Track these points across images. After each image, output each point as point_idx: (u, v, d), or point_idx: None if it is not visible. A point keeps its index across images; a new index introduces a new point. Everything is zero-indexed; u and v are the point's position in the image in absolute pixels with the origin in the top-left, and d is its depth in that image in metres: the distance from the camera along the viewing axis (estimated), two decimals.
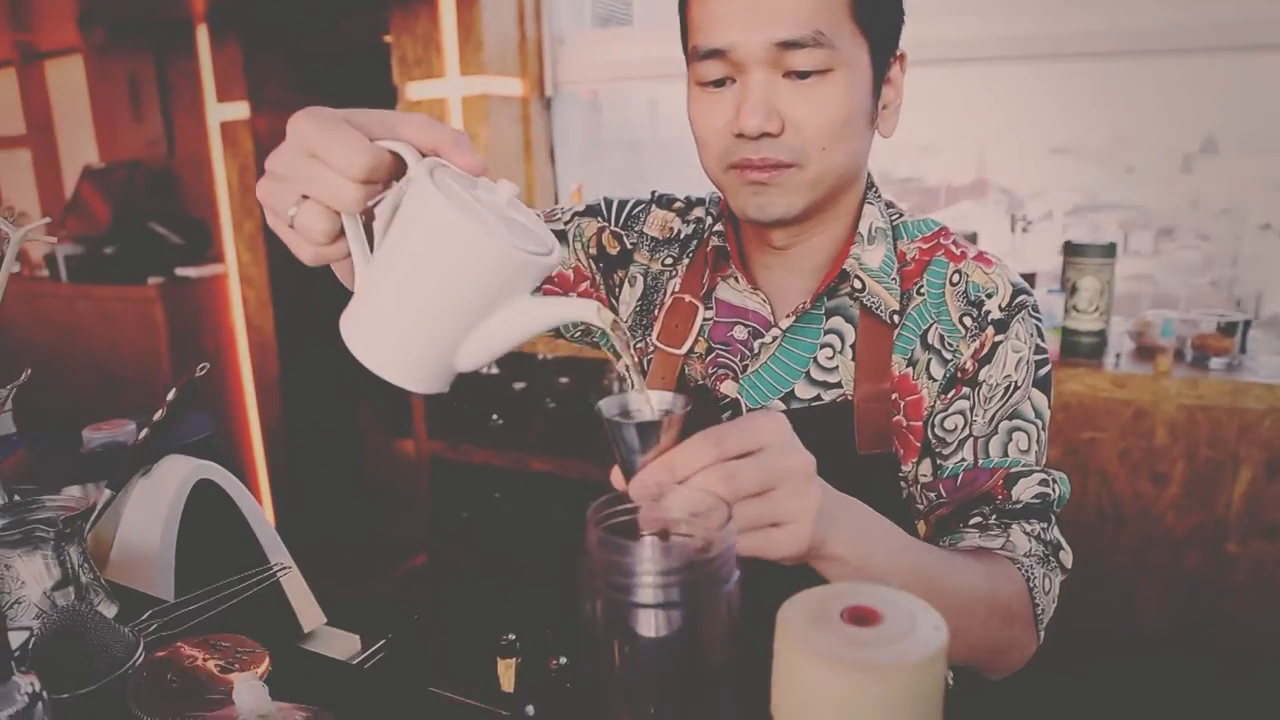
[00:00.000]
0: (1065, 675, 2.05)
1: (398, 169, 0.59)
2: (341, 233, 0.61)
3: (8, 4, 3.26)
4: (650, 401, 0.59)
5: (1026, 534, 0.82)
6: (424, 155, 0.59)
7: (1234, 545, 1.87)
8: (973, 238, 2.24)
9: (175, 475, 1.12)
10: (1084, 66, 2.48)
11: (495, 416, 2.86)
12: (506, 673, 1.31)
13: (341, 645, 1.26)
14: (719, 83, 0.82)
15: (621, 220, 1.04)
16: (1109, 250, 2.00)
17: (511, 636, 1.32)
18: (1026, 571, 0.80)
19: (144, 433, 0.96)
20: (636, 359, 0.61)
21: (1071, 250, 2.04)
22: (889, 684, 0.44)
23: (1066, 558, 0.85)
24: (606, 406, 0.58)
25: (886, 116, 0.89)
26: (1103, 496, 1.96)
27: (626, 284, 1.03)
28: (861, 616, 0.47)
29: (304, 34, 3.46)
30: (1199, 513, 1.89)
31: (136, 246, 3.39)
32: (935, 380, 0.87)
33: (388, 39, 3.02)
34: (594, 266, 1.03)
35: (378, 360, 0.60)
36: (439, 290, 0.57)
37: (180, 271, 3.35)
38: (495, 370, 2.92)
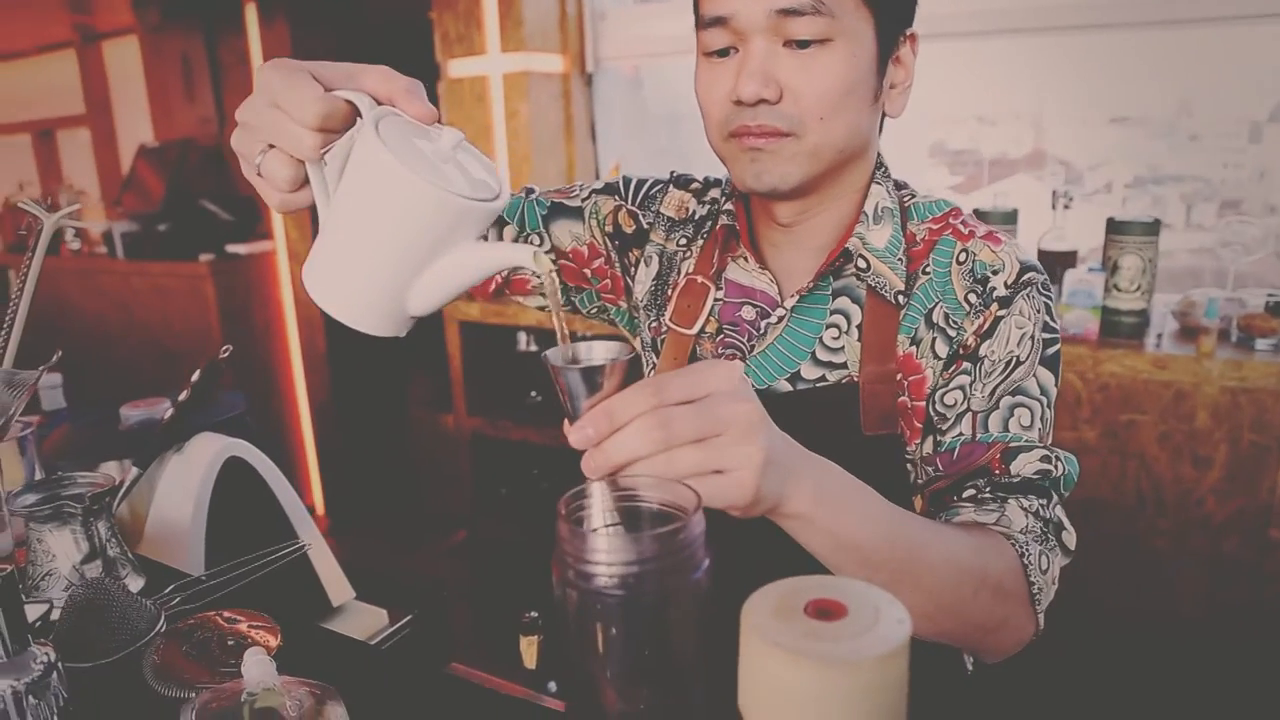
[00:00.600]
0: (1100, 656, 2.02)
1: (355, 118, 0.61)
2: (307, 180, 0.64)
3: None
4: (595, 351, 0.59)
5: (1023, 509, 0.80)
6: (380, 104, 0.61)
7: (1277, 531, 1.82)
8: (1012, 215, 2.19)
9: (206, 452, 1.16)
10: (1146, 34, 2.41)
11: (534, 394, 2.89)
12: (529, 650, 1.34)
13: (369, 620, 1.30)
14: (723, 53, 0.83)
15: (639, 200, 1.04)
16: (1152, 228, 1.94)
17: (534, 614, 1.34)
18: (1021, 548, 0.78)
19: (169, 412, 0.99)
20: (562, 310, 0.62)
21: (1113, 227, 1.98)
22: (849, 678, 0.44)
23: (1069, 538, 0.83)
24: (553, 354, 0.58)
25: (894, 97, 0.88)
26: (1142, 480, 1.93)
27: (642, 263, 1.03)
28: (826, 610, 0.47)
29: (350, 11, 3.49)
30: (1241, 498, 1.85)
31: (189, 224, 3.47)
32: (940, 359, 0.87)
33: (431, 16, 3.03)
34: (609, 244, 1.04)
35: (331, 302, 0.62)
36: (383, 235, 0.59)
37: (230, 248, 3.43)
38: (534, 347, 2.94)
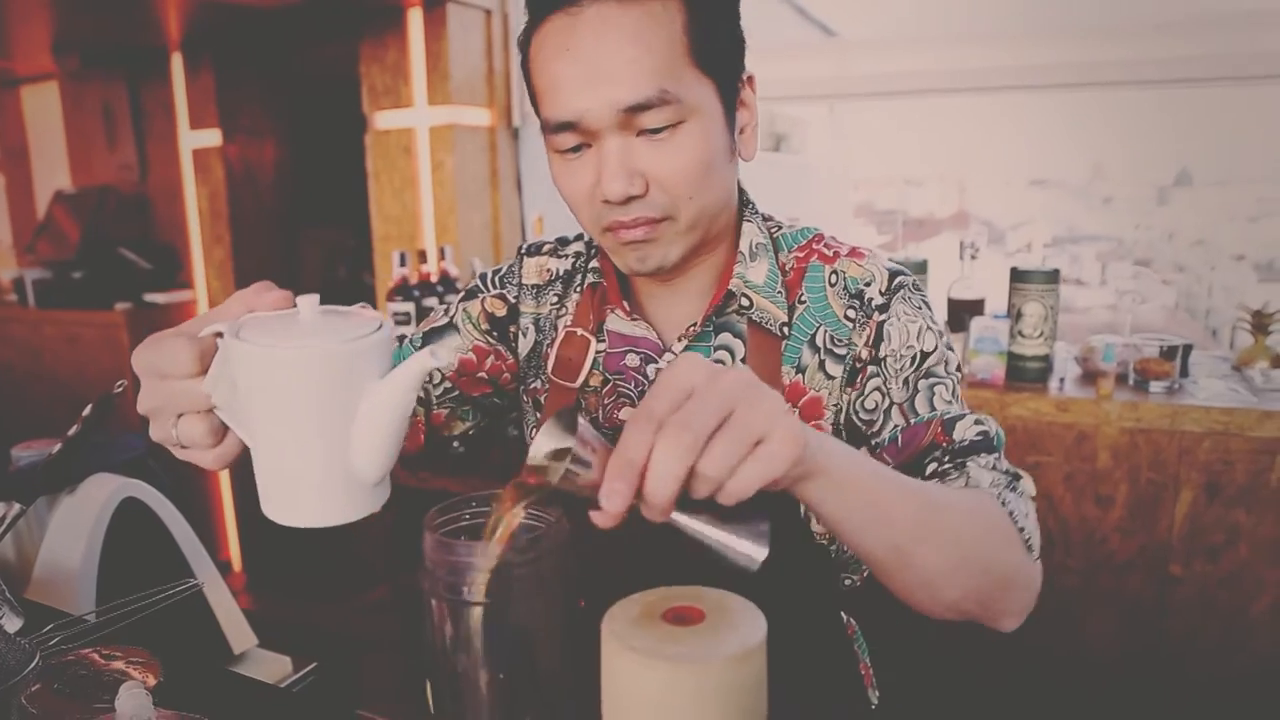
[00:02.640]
0: (1012, 698, 2.05)
1: None
2: (226, 427, 0.65)
3: None
4: (545, 440, 0.57)
5: (983, 467, 0.81)
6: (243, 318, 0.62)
7: (1177, 567, 1.89)
8: (922, 266, 2.27)
9: (100, 493, 1.13)
10: (1062, 98, 2.54)
11: (456, 444, 2.86)
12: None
13: (272, 668, 1.26)
14: (576, 149, 0.82)
15: (497, 282, 1.05)
16: (1052, 276, 2.03)
17: None
18: (1001, 498, 0.78)
19: (57, 447, 0.97)
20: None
21: (1016, 276, 2.07)
22: (700, 678, 0.45)
23: (1028, 484, 0.83)
24: (533, 460, 0.56)
25: (746, 141, 0.89)
26: (1049, 520, 1.98)
27: (520, 336, 1.04)
28: (683, 616, 0.49)
29: (277, 63, 3.49)
30: (1142, 535, 1.91)
31: (105, 272, 3.39)
32: (834, 378, 0.89)
33: (360, 71, 3.05)
34: (490, 338, 1.05)
35: (298, 516, 0.62)
36: (295, 423, 0.59)
37: (148, 297, 3.36)
38: None
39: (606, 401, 0.95)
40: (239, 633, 1.26)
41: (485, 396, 1.07)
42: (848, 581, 0.99)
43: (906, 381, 0.87)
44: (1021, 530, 0.77)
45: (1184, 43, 2.27)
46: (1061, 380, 2.06)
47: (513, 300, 1.04)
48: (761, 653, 0.46)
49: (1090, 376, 2.08)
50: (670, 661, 0.45)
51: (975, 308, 2.20)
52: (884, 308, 0.88)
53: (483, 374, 1.04)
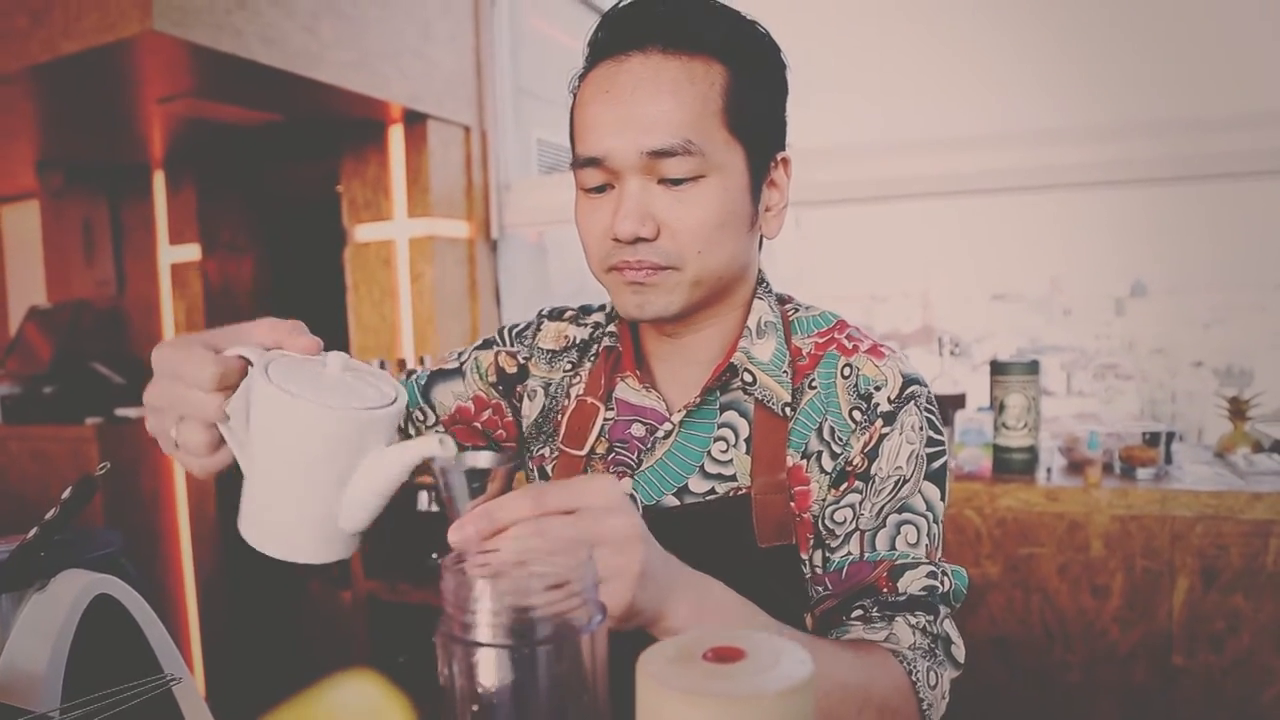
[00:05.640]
0: None
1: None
2: (223, 440, 0.67)
3: None
4: (480, 459, 0.63)
5: (911, 626, 0.81)
6: (270, 349, 0.66)
7: (1180, 658, 1.85)
8: None
9: (70, 589, 1.07)
10: (1018, 202, 2.62)
11: (435, 555, 2.78)
12: None
13: None
14: (600, 189, 0.85)
15: (512, 339, 1.06)
16: (1032, 367, 2.05)
17: None
18: (909, 665, 0.78)
19: (34, 531, 0.93)
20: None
21: (997, 369, 2.09)
22: (749, 715, 0.42)
23: (958, 651, 0.83)
24: (440, 459, 0.62)
25: (769, 219, 0.90)
26: (1046, 614, 1.94)
27: (526, 398, 1.03)
28: (724, 655, 0.46)
29: (258, 180, 3.55)
30: (1142, 625, 1.87)
31: (77, 386, 3.34)
32: (826, 474, 0.87)
33: (339, 189, 3.11)
34: (495, 392, 1.04)
35: (272, 546, 0.65)
36: (297, 465, 0.63)
37: (120, 411, 3.30)
38: (436, 508, 2.86)
39: (610, 470, 0.94)
40: None
41: (475, 448, 1.05)
42: None
43: (880, 512, 0.84)
44: (920, 700, 0.78)
45: (1133, 145, 2.38)
46: (1049, 470, 2.06)
47: (523, 361, 1.04)
48: (811, 687, 0.44)
49: (1076, 466, 2.08)
50: (720, 699, 0.42)
51: (957, 403, 2.22)
52: (890, 418, 0.85)
53: (477, 424, 1.04)
